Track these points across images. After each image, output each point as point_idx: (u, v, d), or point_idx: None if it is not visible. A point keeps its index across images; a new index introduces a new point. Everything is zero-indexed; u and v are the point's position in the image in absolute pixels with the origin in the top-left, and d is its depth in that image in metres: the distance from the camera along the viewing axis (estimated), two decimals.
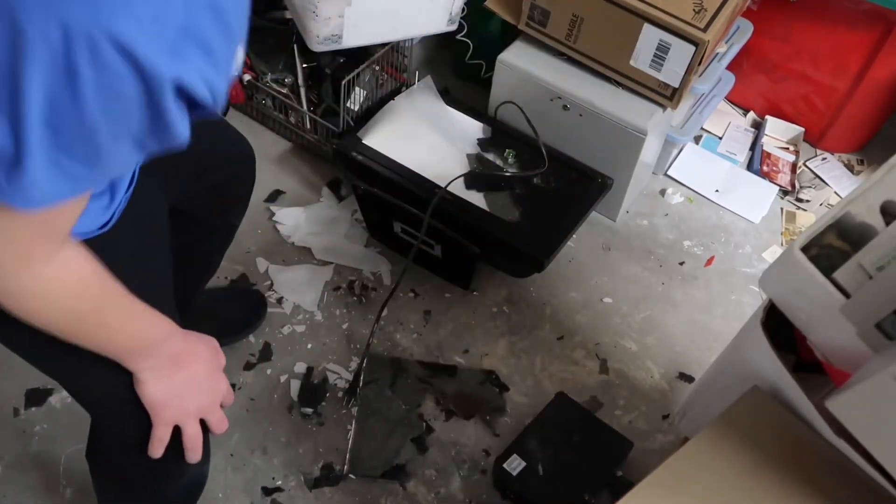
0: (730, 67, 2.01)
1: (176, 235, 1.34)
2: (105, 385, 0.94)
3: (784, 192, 2.12)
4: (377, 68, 1.94)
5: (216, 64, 0.68)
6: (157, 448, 0.96)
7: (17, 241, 0.71)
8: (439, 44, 2.22)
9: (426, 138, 1.82)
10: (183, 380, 0.93)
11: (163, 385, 0.91)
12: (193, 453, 0.99)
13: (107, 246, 0.86)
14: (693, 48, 1.61)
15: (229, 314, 1.69)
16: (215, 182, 1.28)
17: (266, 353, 1.68)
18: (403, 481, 1.53)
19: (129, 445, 0.99)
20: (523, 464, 1.48)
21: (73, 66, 0.60)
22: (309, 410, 1.60)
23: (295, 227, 1.88)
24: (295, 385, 1.64)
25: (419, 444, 1.58)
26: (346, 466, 1.53)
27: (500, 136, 1.86)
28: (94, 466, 1.16)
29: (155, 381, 0.91)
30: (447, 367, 1.69)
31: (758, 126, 2.25)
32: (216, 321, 1.65)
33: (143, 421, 0.95)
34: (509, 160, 1.81)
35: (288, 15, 1.89)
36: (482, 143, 1.84)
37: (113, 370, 0.89)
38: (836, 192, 2.14)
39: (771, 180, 2.13)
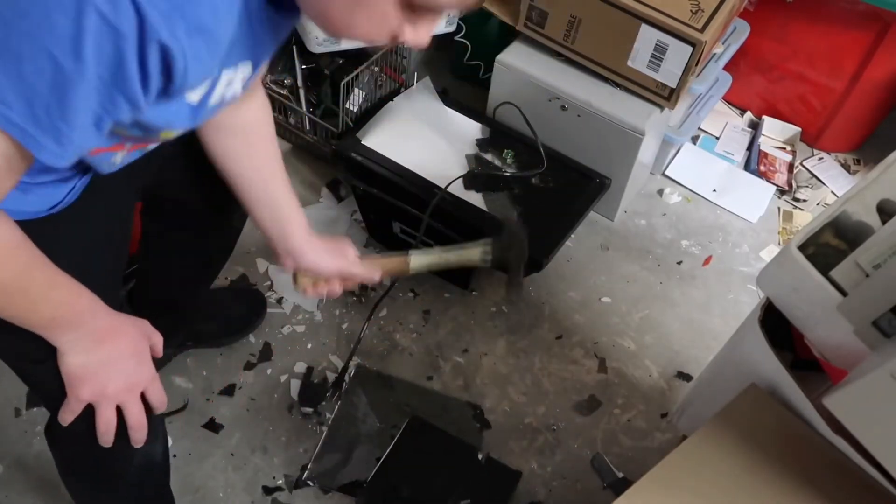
0: (727, 68, 2.02)
1: (174, 231, 1.33)
2: (45, 371, 0.93)
3: (781, 192, 2.13)
4: (376, 69, 1.94)
5: (198, 60, 0.72)
6: (65, 417, 0.94)
7: None
8: (438, 45, 2.22)
9: (425, 139, 1.83)
10: (103, 356, 0.92)
11: (81, 358, 0.90)
12: (106, 437, 0.96)
13: (52, 227, 0.88)
14: (690, 49, 1.62)
15: (229, 314, 1.70)
16: (214, 182, 1.27)
17: (266, 353, 1.69)
18: (359, 498, 1.51)
19: (76, 431, 0.99)
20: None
21: None
22: (309, 410, 1.61)
23: None
24: (295, 385, 1.64)
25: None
26: (306, 473, 1.53)
27: (498, 136, 1.86)
28: (53, 449, 1.17)
29: (74, 353, 0.90)
30: (433, 393, 1.66)
31: (755, 126, 2.26)
32: (216, 321, 1.65)
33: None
34: (508, 160, 1.81)
35: None
36: (481, 143, 1.85)
37: (48, 351, 0.90)
38: (832, 192, 2.15)
39: (768, 180, 2.14)
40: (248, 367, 1.66)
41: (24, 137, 0.68)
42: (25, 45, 0.64)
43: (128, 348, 0.94)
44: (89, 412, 0.96)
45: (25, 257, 0.82)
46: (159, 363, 1.66)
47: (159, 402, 0.99)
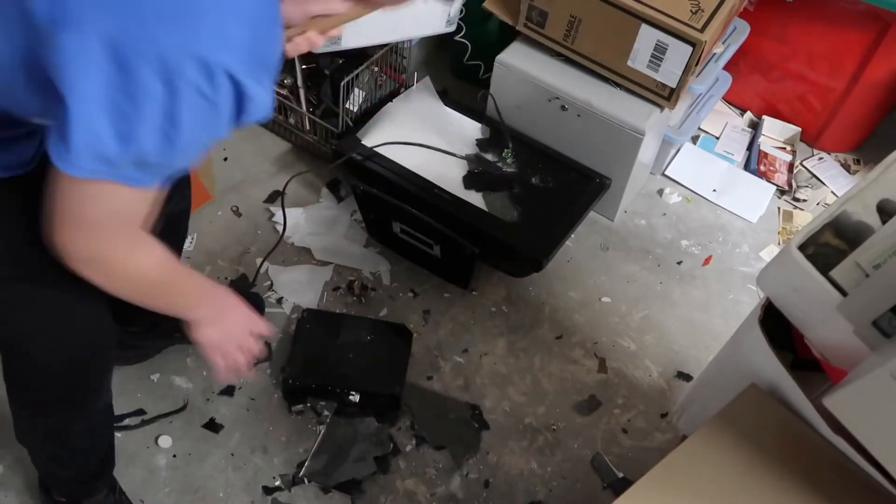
0: (727, 68, 2.01)
1: None
2: (36, 321, 1.08)
3: (781, 192, 2.13)
4: (376, 69, 1.94)
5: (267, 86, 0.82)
6: (220, 376, 1.15)
7: (127, 226, 0.89)
8: (438, 45, 2.23)
9: (425, 139, 1.83)
10: (230, 322, 1.12)
11: (216, 329, 1.10)
12: (237, 375, 1.16)
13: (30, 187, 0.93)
14: (690, 48, 1.62)
15: None
16: None
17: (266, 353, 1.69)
18: (355, 497, 1.51)
19: (51, 372, 1.14)
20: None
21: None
22: (300, 407, 1.60)
23: (294, 227, 1.89)
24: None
25: (381, 463, 1.55)
26: (303, 470, 1.53)
27: (498, 136, 1.86)
28: (18, 402, 1.24)
29: (209, 325, 1.09)
30: (431, 393, 1.66)
31: (755, 126, 2.26)
32: None
33: (61, 352, 1.12)
34: (508, 160, 1.81)
35: None
36: (481, 143, 1.85)
37: (46, 309, 1.06)
38: (832, 192, 2.15)
39: (768, 180, 2.14)
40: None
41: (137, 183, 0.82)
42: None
43: (242, 312, 1.14)
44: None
45: (172, 263, 1.01)
46: (148, 353, 1.67)
47: (270, 331, 1.19)
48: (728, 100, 2.31)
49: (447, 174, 1.76)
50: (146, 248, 0.95)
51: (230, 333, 1.13)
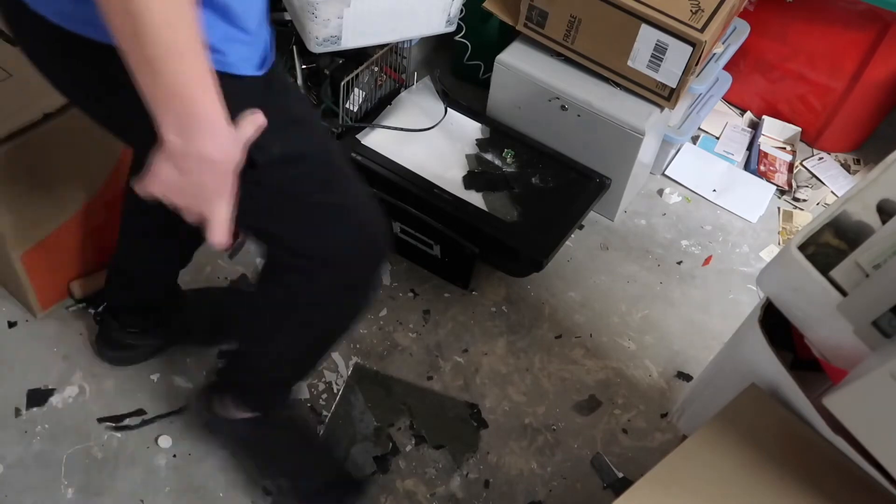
0: (727, 68, 2.02)
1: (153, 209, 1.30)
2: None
3: (781, 192, 2.13)
4: (376, 69, 1.94)
5: None
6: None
7: None
8: (438, 45, 2.23)
9: (425, 139, 1.83)
10: (200, 173, 0.83)
11: (180, 171, 0.82)
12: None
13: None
14: (690, 48, 1.62)
15: (223, 314, 1.69)
16: None
17: None
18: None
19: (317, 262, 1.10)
20: None
21: None
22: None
23: None
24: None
25: (381, 463, 1.55)
26: None
27: (498, 136, 1.87)
28: (270, 292, 1.19)
29: (175, 157, 0.81)
30: (430, 393, 1.66)
31: (755, 126, 2.26)
32: (210, 318, 1.65)
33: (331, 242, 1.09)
34: (508, 160, 1.82)
35: (287, 17, 1.90)
36: (481, 143, 1.85)
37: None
38: (832, 192, 2.15)
39: (768, 180, 2.14)
40: None
41: None
42: None
43: (225, 174, 0.86)
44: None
45: (188, 18, 0.73)
46: (148, 354, 1.66)
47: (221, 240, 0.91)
48: (728, 100, 2.31)
49: (447, 174, 1.76)
50: None
51: (191, 185, 0.83)
